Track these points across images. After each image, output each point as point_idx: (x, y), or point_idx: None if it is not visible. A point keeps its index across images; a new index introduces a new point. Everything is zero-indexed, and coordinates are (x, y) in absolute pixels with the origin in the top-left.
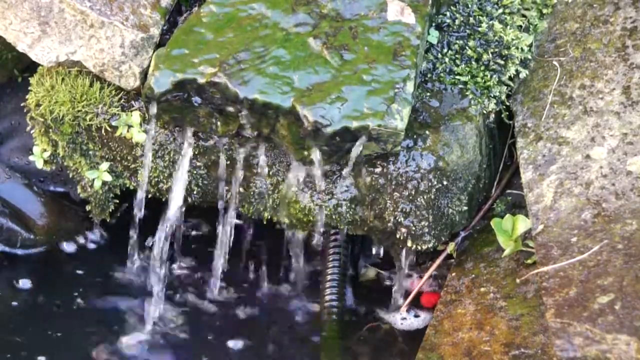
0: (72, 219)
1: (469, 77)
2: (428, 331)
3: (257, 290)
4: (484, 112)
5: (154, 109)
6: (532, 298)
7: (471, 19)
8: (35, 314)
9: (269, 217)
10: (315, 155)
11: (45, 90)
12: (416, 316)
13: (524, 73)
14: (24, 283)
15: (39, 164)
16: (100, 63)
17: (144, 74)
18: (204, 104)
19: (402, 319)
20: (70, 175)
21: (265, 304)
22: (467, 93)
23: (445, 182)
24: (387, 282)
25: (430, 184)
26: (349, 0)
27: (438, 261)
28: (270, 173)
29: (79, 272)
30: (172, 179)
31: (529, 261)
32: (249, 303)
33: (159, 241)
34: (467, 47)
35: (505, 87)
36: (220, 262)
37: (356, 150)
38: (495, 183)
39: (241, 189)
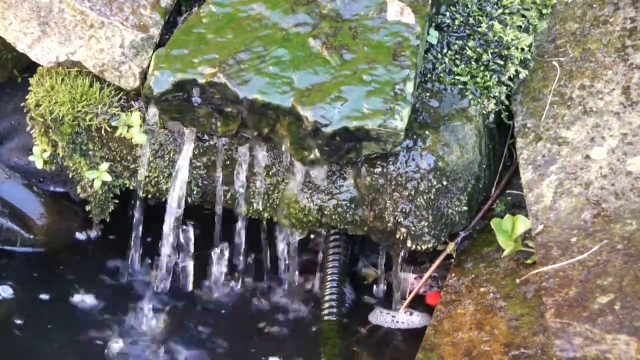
0: (72, 219)
1: (469, 77)
2: (428, 331)
3: (255, 288)
4: (484, 112)
5: (153, 113)
6: (532, 298)
7: (471, 19)
8: (35, 314)
9: (269, 216)
10: (315, 155)
11: (45, 91)
12: (416, 316)
13: (523, 73)
14: (24, 283)
15: (39, 164)
16: (100, 63)
17: (144, 74)
18: (203, 104)
19: (402, 319)
20: (70, 175)
21: (264, 303)
22: (467, 93)
23: (445, 182)
24: (387, 282)
25: (430, 184)
26: (349, 0)
27: (438, 261)
28: (270, 173)
29: (79, 271)
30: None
31: (529, 261)
32: (247, 301)
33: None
34: (466, 48)
35: (505, 87)
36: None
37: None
38: (495, 183)
39: (241, 189)
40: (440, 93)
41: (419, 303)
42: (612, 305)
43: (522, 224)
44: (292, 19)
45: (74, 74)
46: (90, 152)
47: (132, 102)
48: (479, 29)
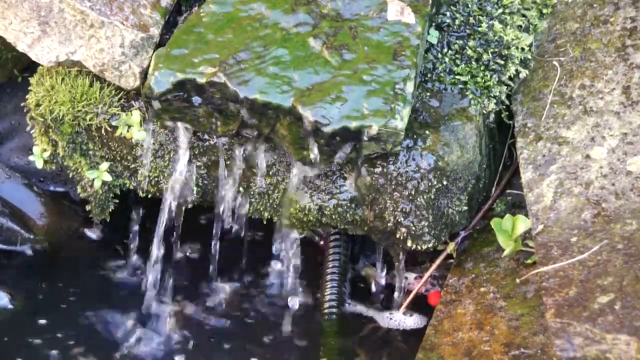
0: (72, 219)
1: (469, 77)
2: (428, 331)
3: (255, 287)
4: (484, 112)
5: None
6: (532, 298)
7: (471, 18)
8: (35, 313)
9: (269, 217)
10: (315, 154)
11: (45, 90)
12: (416, 316)
13: (524, 73)
14: (24, 283)
15: (39, 164)
16: (100, 63)
17: (144, 74)
18: (204, 103)
19: (402, 319)
20: (70, 175)
21: (265, 302)
22: (467, 93)
23: (445, 182)
24: (387, 282)
25: (430, 183)
26: (349, 0)
27: (438, 261)
28: (270, 173)
29: (79, 271)
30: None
31: (529, 261)
32: (247, 301)
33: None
34: (467, 47)
35: (505, 87)
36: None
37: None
38: (495, 183)
39: (241, 189)
40: (440, 93)
41: (419, 303)
42: (613, 305)
43: (522, 223)
44: (292, 19)
45: (74, 74)
46: (91, 152)
47: (133, 102)
48: (480, 29)
